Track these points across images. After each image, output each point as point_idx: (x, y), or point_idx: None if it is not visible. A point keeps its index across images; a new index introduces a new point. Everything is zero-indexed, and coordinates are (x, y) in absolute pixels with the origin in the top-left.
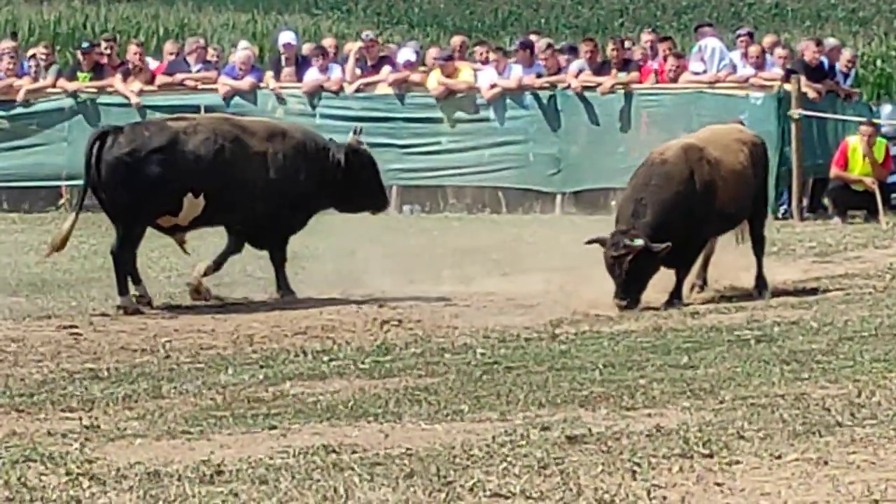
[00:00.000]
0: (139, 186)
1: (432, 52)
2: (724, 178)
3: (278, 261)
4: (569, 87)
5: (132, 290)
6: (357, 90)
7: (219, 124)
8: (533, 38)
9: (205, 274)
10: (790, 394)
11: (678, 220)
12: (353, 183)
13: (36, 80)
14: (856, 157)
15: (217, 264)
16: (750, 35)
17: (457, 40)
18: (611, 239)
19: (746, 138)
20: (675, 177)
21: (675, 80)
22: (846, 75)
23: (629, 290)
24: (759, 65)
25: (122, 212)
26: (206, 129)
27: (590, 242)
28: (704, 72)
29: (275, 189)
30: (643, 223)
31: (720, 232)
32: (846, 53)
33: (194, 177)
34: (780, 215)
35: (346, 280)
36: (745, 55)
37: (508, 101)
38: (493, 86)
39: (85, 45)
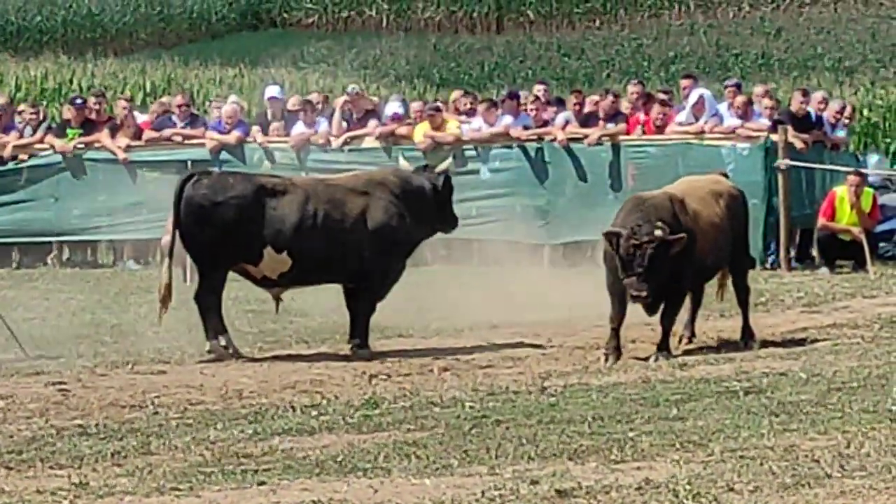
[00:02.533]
0: (210, 230)
1: (416, 106)
2: (701, 230)
3: (369, 311)
4: (555, 139)
5: (221, 340)
6: (344, 143)
7: (313, 185)
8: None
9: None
10: (779, 445)
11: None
12: (441, 207)
13: (23, 136)
14: (843, 207)
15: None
16: (738, 86)
17: (456, 94)
18: (630, 230)
19: (723, 189)
20: (661, 211)
21: (661, 128)
22: (833, 125)
23: (650, 279)
24: (745, 115)
25: (198, 253)
26: (296, 188)
27: (607, 234)
28: (695, 121)
29: (385, 238)
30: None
31: (699, 283)
32: (834, 105)
33: (273, 232)
34: (768, 266)
35: (334, 334)
36: (731, 105)
37: (495, 153)
38: (477, 129)
39: (77, 101)
